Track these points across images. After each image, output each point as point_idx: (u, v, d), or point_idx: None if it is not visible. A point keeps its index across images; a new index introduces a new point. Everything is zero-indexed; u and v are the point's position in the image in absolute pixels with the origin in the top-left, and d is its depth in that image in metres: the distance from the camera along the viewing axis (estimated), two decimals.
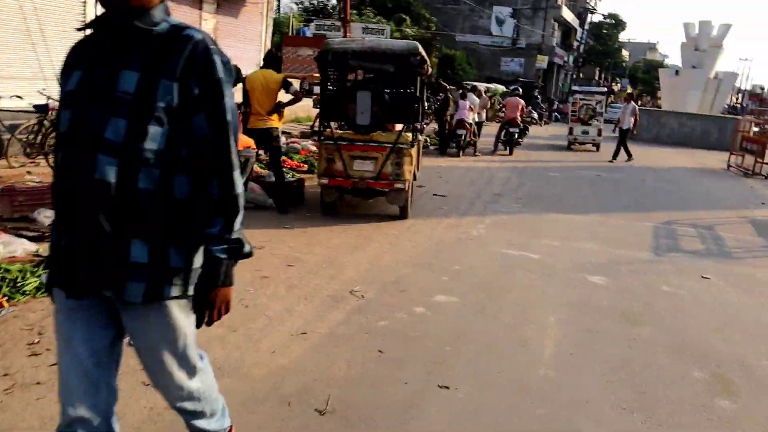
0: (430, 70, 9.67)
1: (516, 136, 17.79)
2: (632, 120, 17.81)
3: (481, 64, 49.60)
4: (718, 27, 29.22)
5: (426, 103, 11.61)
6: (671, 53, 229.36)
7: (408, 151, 7.95)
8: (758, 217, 10.71)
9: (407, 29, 43.28)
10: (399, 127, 8.49)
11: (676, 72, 30.41)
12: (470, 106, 16.40)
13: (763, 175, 16.99)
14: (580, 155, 19.29)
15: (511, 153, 17.59)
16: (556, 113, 44.29)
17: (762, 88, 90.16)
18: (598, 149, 20.48)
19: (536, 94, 47.58)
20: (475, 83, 20.84)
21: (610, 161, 17.59)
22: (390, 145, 7.90)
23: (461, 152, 16.16)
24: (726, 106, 39.71)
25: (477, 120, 17.22)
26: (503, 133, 18.17)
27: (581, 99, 21.21)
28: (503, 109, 20.14)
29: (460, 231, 7.84)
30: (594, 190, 12.22)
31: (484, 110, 20.03)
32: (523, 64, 49.86)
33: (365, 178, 7.97)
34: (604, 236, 8.09)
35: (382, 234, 7.41)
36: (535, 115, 35.19)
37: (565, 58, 55.92)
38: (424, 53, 8.50)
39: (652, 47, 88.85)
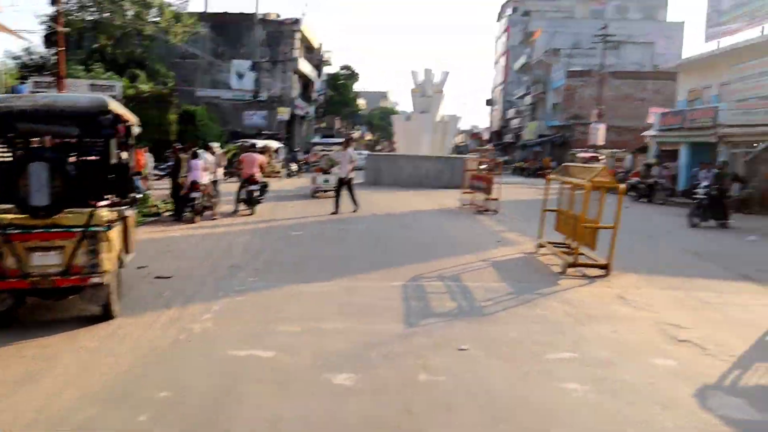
0: (133, 127, 8.02)
1: (256, 194, 16.63)
2: (350, 167, 17.01)
3: (224, 119, 48.20)
4: (440, 74, 31.38)
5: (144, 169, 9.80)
6: (401, 100, 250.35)
7: (105, 234, 6.25)
8: (497, 258, 10.71)
9: (142, 85, 40.40)
10: (106, 201, 6.78)
11: (408, 117, 31.89)
12: (204, 166, 14.88)
13: (493, 211, 17.88)
14: (323, 205, 18.74)
15: (252, 212, 16.38)
16: (304, 164, 44.43)
17: (477, 128, 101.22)
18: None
19: (282, 146, 47.57)
20: (211, 142, 19.34)
21: (333, 213, 16.75)
22: (80, 230, 6.13)
23: (198, 217, 14.53)
24: (453, 146, 43.27)
25: (214, 179, 15.74)
26: (242, 191, 16.95)
27: (321, 150, 22.76)
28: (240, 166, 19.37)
29: (181, 327, 6.29)
30: (338, 248, 11.42)
31: (221, 168, 18.63)
32: (266, 116, 49.49)
33: (49, 275, 6.09)
34: (352, 308, 7.13)
35: (73, 348, 5.60)
36: (279, 168, 34.73)
37: (307, 110, 56.88)
38: (118, 108, 6.92)
39: (384, 95, 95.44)
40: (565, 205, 10.80)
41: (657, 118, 36.17)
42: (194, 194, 14.37)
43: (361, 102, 73.39)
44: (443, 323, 6.69)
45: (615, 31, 57.13)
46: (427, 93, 31.15)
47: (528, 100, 62.05)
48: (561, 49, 57.47)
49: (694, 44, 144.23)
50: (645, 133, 37.08)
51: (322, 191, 21.26)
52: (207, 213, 15.12)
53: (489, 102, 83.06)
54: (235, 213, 16.53)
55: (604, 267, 9.37)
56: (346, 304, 7.30)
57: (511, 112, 70.22)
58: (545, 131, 55.01)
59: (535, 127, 57.41)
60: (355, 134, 68.81)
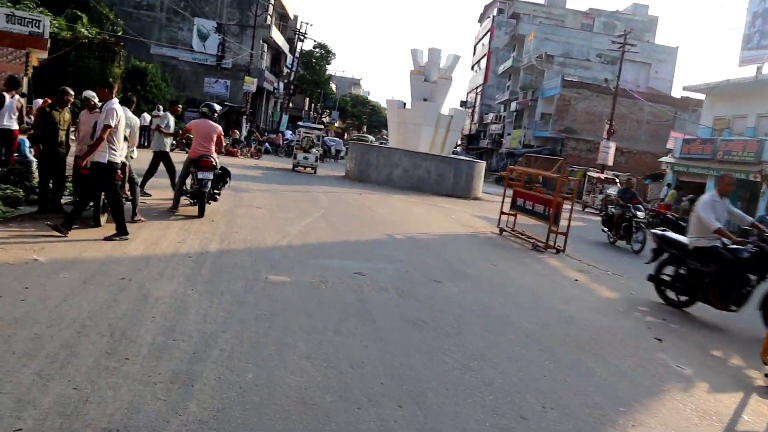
0: None
1: (210, 187, 10.02)
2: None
3: (180, 83, 40.73)
4: (447, 57, 25.06)
5: None
6: (372, 90, 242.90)
7: None
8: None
9: (83, 29, 32.76)
10: None
11: (403, 105, 25.53)
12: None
13: (555, 248, 11.83)
14: (305, 200, 12.24)
15: (201, 213, 9.81)
16: (267, 144, 37.48)
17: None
18: (315, 172, 24.24)
19: (244, 120, 40.38)
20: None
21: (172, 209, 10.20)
22: None
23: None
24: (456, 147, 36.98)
25: (131, 155, 9.04)
26: (189, 178, 10.33)
27: (304, 132, 24.79)
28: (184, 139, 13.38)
29: None
30: (373, 348, 5.04)
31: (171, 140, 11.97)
32: (229, 86, 42.21)
33: None
34: None
35: None
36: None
37: (276, 84, 49.68)
38: None
39: (356, 83, 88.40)
40: None
41: (678, 144, 30.91)
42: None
43: (332, 86, 66.38)
44: None
45: (605, 47, 52.34)
46: (431, 78, 24.80)
47: (513, 106, 56.39)
48: (554, 56, 52.06)
49: (689, 72, 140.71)
50: (663, 159, 31.87)
51: (301, 167, 24.13)
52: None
53: (463, 104, 77.14)
54: (172, 212, 9.93)
55: None
56: None
57: (489, 117, 64.50)
58: (531, 141, 49.43)
59: (520, 136, 51.78)
60: (325, 119, 61.92)
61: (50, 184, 8.39)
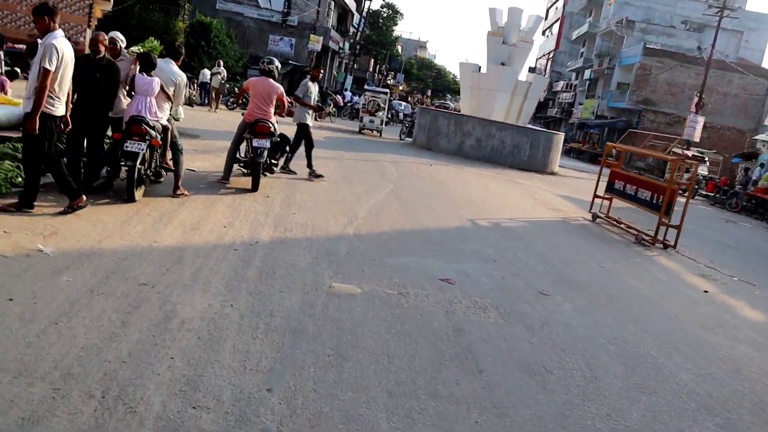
0: None
1: (266, 157, 8.48)
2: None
3: (245, 40, 39.42)
4: (528, 18, 22.71)
5: None
6: (438, 53, 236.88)
7: None
8: None
9: None
10: None
11: (479, 68, 23.38)
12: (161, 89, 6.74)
13: (662, 243, 9.87)
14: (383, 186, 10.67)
15: (255, 187, 8.31)
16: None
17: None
18: (380, 135, 23.90)
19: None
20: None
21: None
22: None
23: (139, 190, 6.57)
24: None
25: (176, 116, 7.57)
26: (244, 146, 8.84)
27: (371, 96, 24.45)
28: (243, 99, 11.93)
29: None
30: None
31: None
32: (294, 44, 40.69)
33: None
34: None
35: None
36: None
37: (341, 44, 47.84)
38: None
39: (422, 45, 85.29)
40: None
41: None
42: (135, 146, 6.27)
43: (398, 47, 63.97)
44: None
45: (693, 14, 47.99)
46: (510, 40, 22.51)
47: (586, 74, 52.85)
48: (635, 22, 48.13)
49: None
50: (760, 137, 28.74)
51: (368, 129, 24.02)
52: (159, 181, 7.08)
53: (532, 70, 73.36)
54: (223, 183, 8.48)
55: None
56: None
57: (559, 85, 60.98)
58: (605, 112, 46.15)
59: (593, 106, 48.50)
60: (389, 81, 59.80)
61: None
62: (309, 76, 10.65)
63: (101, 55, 6.31)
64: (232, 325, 3.90)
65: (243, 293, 4.49)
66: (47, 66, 5.18)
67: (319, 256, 5.82)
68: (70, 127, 5.82)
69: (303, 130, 10.41)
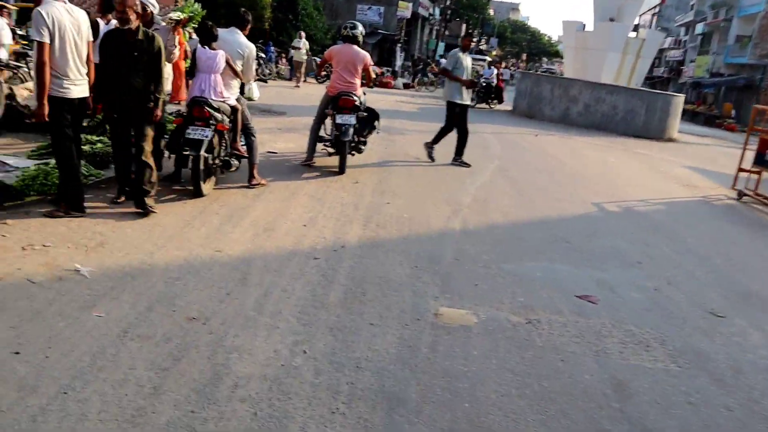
0: None
1: (353, 135, 7.31)
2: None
3: (333, 11, 38.38)
4: None
5: None
6: (532, 16, 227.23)
7: None
8: None
9: None
10: None
11: (584, 26, 21.13)
12: (232, 67, 5.70)
13: None
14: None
15: (341, 170, 7.21)
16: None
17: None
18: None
19: (398, 49, 37.50)
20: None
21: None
22: None
23: (208, 183, 5.61)
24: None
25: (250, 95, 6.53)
26: (328, 123, 7.73)
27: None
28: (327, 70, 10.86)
29: None
30: None
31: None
32: (383, 13, 39.22)
33: None
34: None
35: None
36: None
37: (431, 10, 45.87)
38: None
39: (515, 7, 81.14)
40: None
41: None
42: (198, 133, 5.27)
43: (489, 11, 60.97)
44: None
45: None
46: None
47: (699, 28, 48.05)
48: None
49: None
50: None
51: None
52: (233, 170, 6.09)
53: (636, 28, 68.10)
54: (307, 165, 7.43)
55: None
56: None
57: (667, 41, 56.02)
58: (721, 69, 41.74)
59: (707, 63, 44.04)
60: (482, 46, 57.10)
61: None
62: (460, 47, 9.00)
63: (133, 26, 4.82)
64: (304, 389, 2.76)
65: (321, 329, 3.36)
66: (38, 38, 4.27)
67: (420, 264, 4.60)
68: (90, 111, 4.85)
69: (452, 110, 8.83)
